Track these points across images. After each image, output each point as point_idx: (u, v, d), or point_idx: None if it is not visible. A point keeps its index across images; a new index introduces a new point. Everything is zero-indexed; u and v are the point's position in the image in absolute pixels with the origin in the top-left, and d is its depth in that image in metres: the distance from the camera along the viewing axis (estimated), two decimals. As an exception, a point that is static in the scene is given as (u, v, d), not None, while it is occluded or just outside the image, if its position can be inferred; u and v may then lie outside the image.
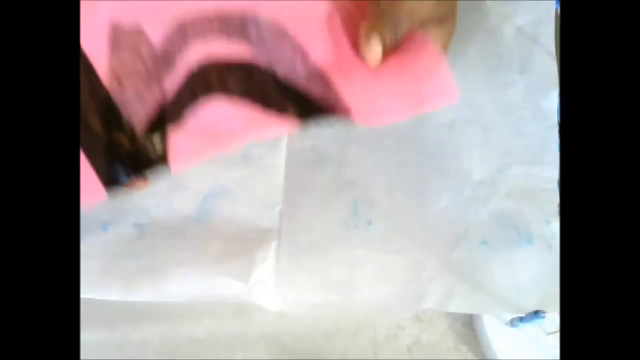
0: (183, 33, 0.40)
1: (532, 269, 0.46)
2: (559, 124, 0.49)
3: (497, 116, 0.50)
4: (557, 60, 0.50)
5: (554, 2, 0.51)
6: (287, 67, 0.40)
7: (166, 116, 0.39)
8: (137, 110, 0.39)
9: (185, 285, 0.46)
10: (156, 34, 0.40)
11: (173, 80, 0.40)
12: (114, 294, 0.45)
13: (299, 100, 0.39)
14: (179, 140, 0.39)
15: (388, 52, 0.40)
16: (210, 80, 0.40)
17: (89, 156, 0.39)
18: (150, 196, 0.48)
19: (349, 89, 0.39)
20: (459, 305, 0.46)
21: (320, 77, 0.39)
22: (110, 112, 0.40)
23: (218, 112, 0.39)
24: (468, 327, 0.53)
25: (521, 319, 0.49)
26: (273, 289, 0.46)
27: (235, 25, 0.41)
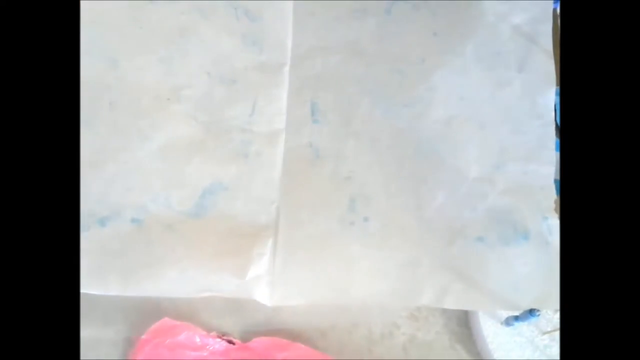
0: None
1: (529, 266, 0.46)
2: (557, 121, 0.50)
3: (494, 113, 0.50)
4: (555, 58, 0.50)
5: (552, 1, 0.51)
6: None
7: None
8: None
9: (182, 280, 0.46)
10: None
11: None
12: (112, 289, 0.46)
13: None
14: None
15: None
16: None
17: None
18: (148, 192, 0.48)
19: None
20: (455, 302, 0.46)
21: None
22: None
23: None
24: (463, 326, 0.53)
25: (516, 318, 0.49)
26: (269, 285, 0.46)
27: None
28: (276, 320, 0.50)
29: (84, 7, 0.48)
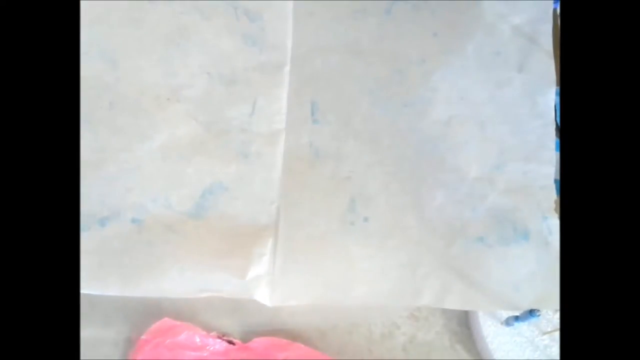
0: None
1: (529, 266, 0.46)
2: (557, 121, 0.50)
3: (494, 114, 0.50)
4: (555, 58, 0.50)
5: (552, 1, 0.51)
6: None
7: None
8: None
9: (182, 280, 0.46)
10: None
11: None
12: (112, 289, 0.46)
13: None
14: None
15: None
16: None
17: None
18: (148, 192, 0.48)
19: None
20: (455, 302, 0.46)
21: None
22: None
23: None
24: (463, 326, 0.53)
25: (516, 318, 0.49)
26: (270, 285, 0.47)
27: None
28: (276, 321, 0.50)
29: (84, 7, 0.48)
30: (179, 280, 0.46)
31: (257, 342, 0.49)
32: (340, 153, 0.50)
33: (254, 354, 0.49)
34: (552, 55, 0.50)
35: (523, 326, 0.51)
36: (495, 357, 0.50)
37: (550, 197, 0.48)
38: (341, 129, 0.50)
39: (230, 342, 0.49)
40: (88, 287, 0.45)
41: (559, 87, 0.50)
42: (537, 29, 0.51)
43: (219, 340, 0.49)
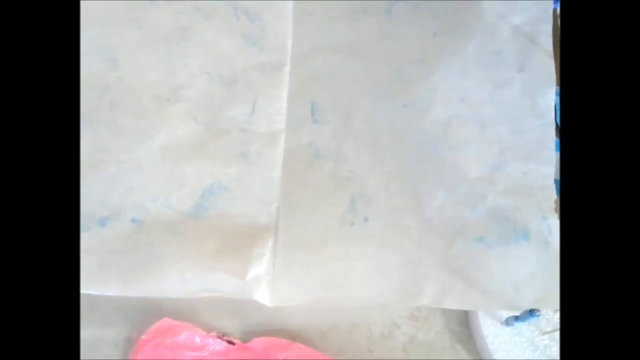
0: None
1: (529, 266, 0.46)
2: (557, 121, 0.50)
3: (494, 113, 0.50)
4: (555, 58, 0.50)
5: (552, 1, 0.51)
6: None
7: None
8: None
9: (182, 281, 0.46)
10: None
11: None
12: (112, 290, 0.46)
13: None
14: None
15: None
16: None
17: None
18: (148, 192, 0.48)
19: None
20: (455, 302, 0.46)
21: None
22: None
23: None
24: (464, 326, 0.53)
25: (516, 318, 0.49)
26: (269, 285, 0.46)
27: None
28: (276, 320, 0.50)
29: (84, 7, 0.48)
30: (179, 280, 0.46)
31: (257, 342, 0.49)
32: (340, 153, 0.50)
33: (254, 354, 0.49)
34: (552, 55, 0.50)
35: (523, 326, 0.51)
36: (495, 357, 0.50)
37: (550, 197, 0.48)
38: (341, 129, 0.50)
39: (230, 342, 0.49)
40: (88, 287, 0.45)
41: (559, 87, 0.50)
42: (537, 29, 0.51)
43: (219, 340, 0.49)
